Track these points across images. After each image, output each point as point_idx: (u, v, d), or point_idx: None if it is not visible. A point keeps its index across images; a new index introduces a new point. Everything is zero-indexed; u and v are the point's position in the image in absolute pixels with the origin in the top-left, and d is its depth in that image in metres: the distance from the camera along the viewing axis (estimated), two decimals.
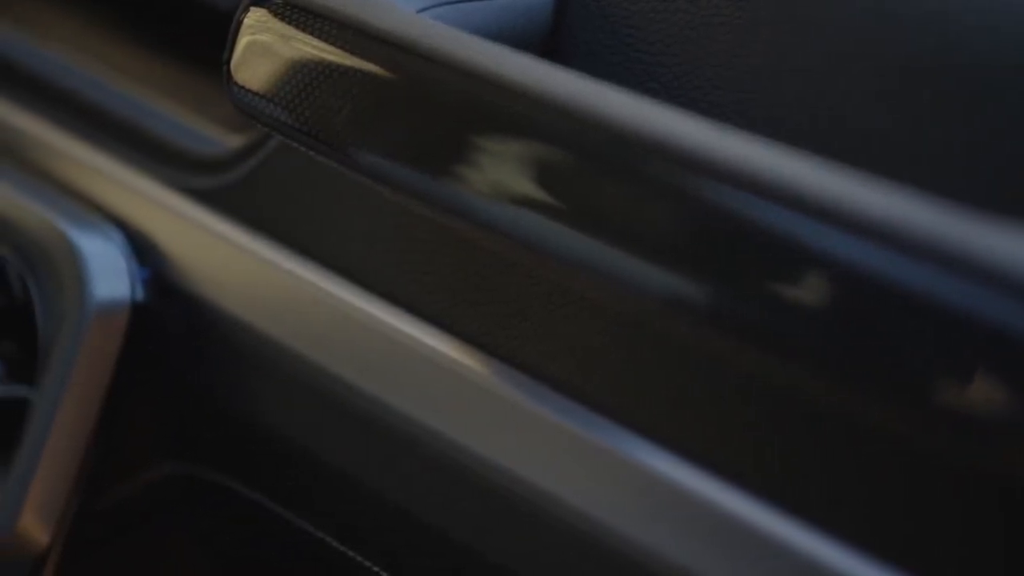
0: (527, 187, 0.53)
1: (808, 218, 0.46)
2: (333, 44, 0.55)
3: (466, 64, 0.54)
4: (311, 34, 0.56)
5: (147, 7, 0.81)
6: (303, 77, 0.56)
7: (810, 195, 0.46)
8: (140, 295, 0.69)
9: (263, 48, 0.58)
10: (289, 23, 0.57)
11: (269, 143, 0.66)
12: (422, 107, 0.55)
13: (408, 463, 0.60)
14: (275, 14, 0.57)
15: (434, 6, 0.60)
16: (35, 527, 0.68)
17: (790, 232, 0.46)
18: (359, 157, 0.56)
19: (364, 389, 0.62)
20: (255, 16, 0.58)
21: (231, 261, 0.67)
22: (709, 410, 0.54)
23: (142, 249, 0.69)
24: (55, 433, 0.68)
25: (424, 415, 0.60)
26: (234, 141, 0.69)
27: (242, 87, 0.58)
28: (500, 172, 0.53)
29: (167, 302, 0.69)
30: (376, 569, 0.62)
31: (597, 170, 0.51)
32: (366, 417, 0.62)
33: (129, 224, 0.70)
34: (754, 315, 0.47)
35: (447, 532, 0.59)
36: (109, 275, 0.68)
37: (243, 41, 0.58)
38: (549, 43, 0.65)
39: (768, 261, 0.47)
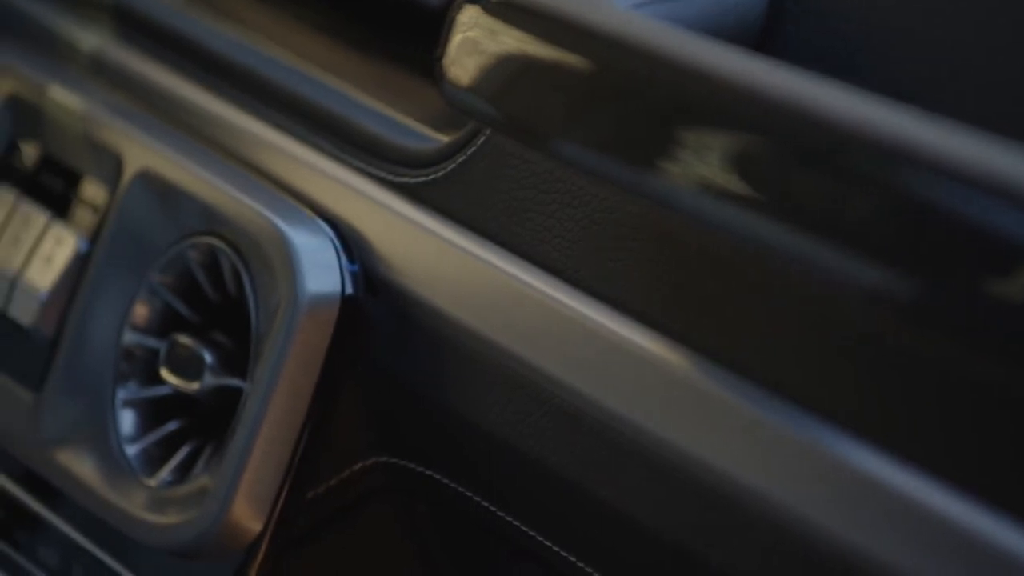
0: (737, 181, 0.53)
1: None
2: (546, 40, 0.55)
3: (678, 59, 0.54)
4: (525, 30, 0.56)
5: (358, 5, 0.82)
6: (516, 73, 0.56)
7: None
8: (349, 289, 0.70)
9: (476, 45, 0.58)
10: (503, 20, 0.57)
11: (478, 139, 0.67)
12: (634, 101, 0.55)
13: (617, 460, 0.60)
14: (489, 11, 0.58)
15: (646, 3, 0.60)
16: (247, 515, 0.70)
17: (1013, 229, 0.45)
18: (570, 151, 0.56)
19: (570, 385, 0.62)
20: (469, 13, 0.58)
21: (439, 256, 0.68)
22: (921, 407, 0.53)
23: (351, 243, 0.70)
24: (267, 423, 0.69)
25: (631, 411, 0.60)
26: (444, 137, 0.70)
27: (455, 83, 0.59)
28: (709, 165, 0.53)
29: (375, 296, 0.70)
30: (580, 564, 0.62)
31: (811, 163, 0.50)
32: (573, 413, 0.62)
33: (339, 219, 0.71)
34: (963, 310, 0.46)
35: (658, 530, 0.59)
36: (320, 269, 0.69)
37: (457, 38, 0.59)
38: (761, 39, 0.64)
39: (979, 256, 0.46)
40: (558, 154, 0.57)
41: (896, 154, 0.48)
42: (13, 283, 0.78)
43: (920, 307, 0.47)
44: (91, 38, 0.83)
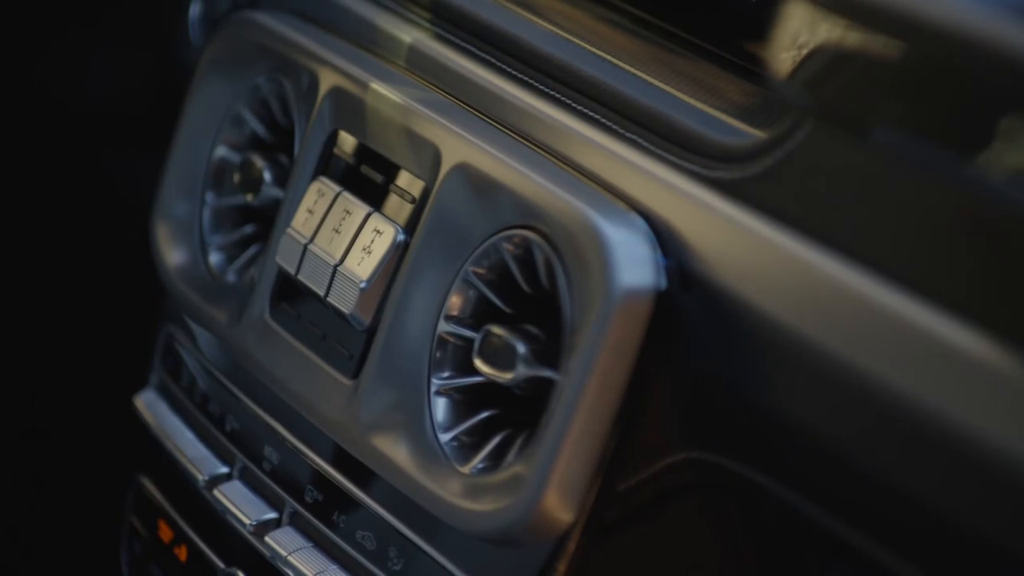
0: None
1: None
2: (873, 30, 0.55)
3: (1008, 46, 0.53)
4: (852, 21, 0.56)
5: (670, 1, 0.82)
6: (842, 63, 0.56)
7: None
8: (663, 283, 0.70)
9: (803, 38, 0.58)
10: (835, 13, 0.57)
11: (797, 133, 0.66)
12: (962, 90, 0.54)
13: (939, 461, 0.59)
14: (819, 5, 0.57)
15: None
16: (559, 505, 0.70)
17: None
18: (894, 141, 0.55)
19: (890, 383, 0.61)
20: (797, 7, 0.58)
21: (754, 251, 0.67)
22: None
23: (665, 238, 0.70)
24: (579, 415, 0.69)
25: (956, 412, 0.59)
26: (759, 132, 0.69)
27: (783, 76, 0.58)
28: None
29: (688, 291, 0.69)
30: (900, 567, 0.61)
31: None
32: (893, 412, 0.61)
33: (653, 213, 0.71)
34: None
35: (986, 535, 0.58)
36: (634, 263, 0.69)
37: (784, 31, 0.59)
38: None
39: None
40: (881, 144, 0.57)
41: None
42: (334, 271, 0.80)
43: None
44: (409, 33, 0.85)
